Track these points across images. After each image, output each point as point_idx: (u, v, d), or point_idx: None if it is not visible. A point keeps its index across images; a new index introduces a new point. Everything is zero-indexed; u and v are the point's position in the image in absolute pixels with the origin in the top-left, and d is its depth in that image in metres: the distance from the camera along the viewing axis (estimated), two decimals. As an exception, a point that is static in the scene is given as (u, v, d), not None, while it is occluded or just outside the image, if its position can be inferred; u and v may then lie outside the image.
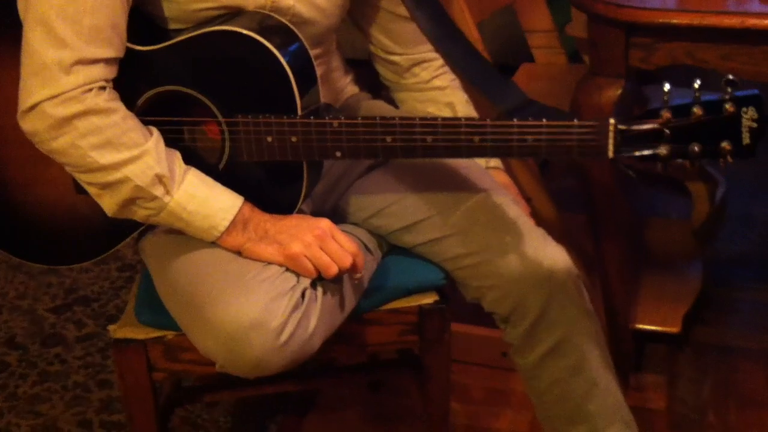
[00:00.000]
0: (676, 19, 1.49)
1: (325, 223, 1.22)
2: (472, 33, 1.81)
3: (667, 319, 2.03)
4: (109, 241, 1.34)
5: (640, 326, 2.01)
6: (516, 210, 1.38)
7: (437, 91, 1.52)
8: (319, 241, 1.20)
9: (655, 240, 2.40)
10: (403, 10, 1.40)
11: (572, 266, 1.34)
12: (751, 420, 1.84)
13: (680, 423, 1.83)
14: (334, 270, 1.20)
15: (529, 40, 2.34)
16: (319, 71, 1.29)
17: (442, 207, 1.38)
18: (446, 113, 1.51)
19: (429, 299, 1.40)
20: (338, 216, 1.44)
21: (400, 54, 1.50)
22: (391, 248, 1.44)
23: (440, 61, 1.52)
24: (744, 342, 2.07)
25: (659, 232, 2.43)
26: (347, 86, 1.55)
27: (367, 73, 1.71)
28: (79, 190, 1.29)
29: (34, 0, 1.13)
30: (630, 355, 1.93)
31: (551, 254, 1.34)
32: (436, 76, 1.52)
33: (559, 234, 1.42)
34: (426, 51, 1.50)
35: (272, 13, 1.27)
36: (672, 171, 2.29)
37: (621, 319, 1.87)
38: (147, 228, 1.33)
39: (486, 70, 1.32)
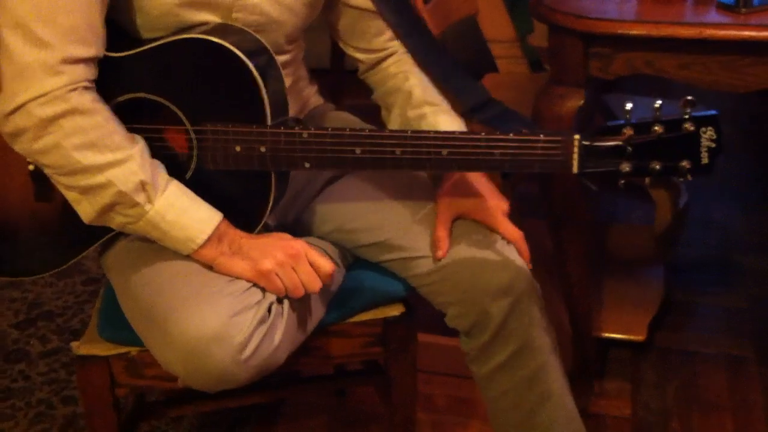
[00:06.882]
0: (634, 30, 1.50)
1: (300, 245, 1.22)
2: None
3: (632, 327, 2.05)
4: (71, 251, 1.32)
5: (606, 334, 2.03)
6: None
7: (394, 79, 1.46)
8: (292, 261, 1.20)
9: (617, 246, 2.43)
10: (369, 4, 1.38)
11: (531, 277, 1.35)
12: (713, 424, 1.86)
13: (644, 428, 1.85)
14: (300, 293, 1.20)
15: (491, 50, 2.35)
16: (287, 81, 1.29)
17: (407, 224, 1.38)
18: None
19: (395, 311, 1.40)
20: (302, 228, 1.43)
21: (364, 50, 1.46)
22: (355, 259, 1.44)
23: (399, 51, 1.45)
24: (706, 347, 2.09)
25: (622, 238, 2.45)
26: (312, 97, 1.55)
27: (328, 82, 1.71)
28: (39, 197, 1.27)
29: (9, 5, 1.13)
30: (593, 361, 1.95)
31: (513, 266, 1.33)
32: (393, 64, 1.46)
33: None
34: (386, 42, 1.44)
35: (239, 13, 1.26)
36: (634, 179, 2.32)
37: (584, 326, 1.88)
38: (109, 241, 1.32)
39: (451, 66, 1.32)
